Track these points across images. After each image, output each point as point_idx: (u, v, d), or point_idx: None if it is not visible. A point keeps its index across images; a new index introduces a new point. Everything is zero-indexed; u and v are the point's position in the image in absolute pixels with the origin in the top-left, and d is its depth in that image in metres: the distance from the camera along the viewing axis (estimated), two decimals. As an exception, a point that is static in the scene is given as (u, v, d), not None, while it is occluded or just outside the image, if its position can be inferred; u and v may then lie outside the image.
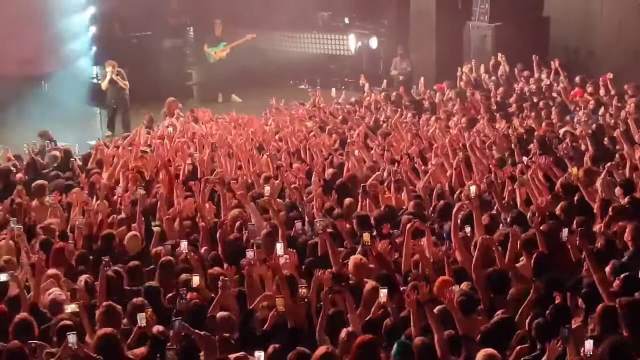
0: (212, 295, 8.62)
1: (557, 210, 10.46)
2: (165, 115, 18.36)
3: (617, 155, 12.60)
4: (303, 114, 17.66)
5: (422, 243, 9.43)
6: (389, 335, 7.74)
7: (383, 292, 8.09)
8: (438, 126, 15.31)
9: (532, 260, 8.83)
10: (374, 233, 9.89)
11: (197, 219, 11.16)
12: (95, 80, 21.46)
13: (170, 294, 9.00)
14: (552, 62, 18.93)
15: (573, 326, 7.31)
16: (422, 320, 7.64)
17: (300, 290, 8.35)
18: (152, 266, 9.70)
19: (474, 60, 20.49)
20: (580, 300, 7.90)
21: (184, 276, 8.98)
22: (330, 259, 9.26)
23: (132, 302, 8.30)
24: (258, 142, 15.17)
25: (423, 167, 12.52)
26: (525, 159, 12.69)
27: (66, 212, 11.79)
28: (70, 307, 8.23)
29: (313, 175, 12.56)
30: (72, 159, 14.64)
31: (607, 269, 8.48)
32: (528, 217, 10.27)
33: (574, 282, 8.42)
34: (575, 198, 10.83)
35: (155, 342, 7.69)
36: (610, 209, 9.98)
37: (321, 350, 7.13)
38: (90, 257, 10.08)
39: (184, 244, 9.83)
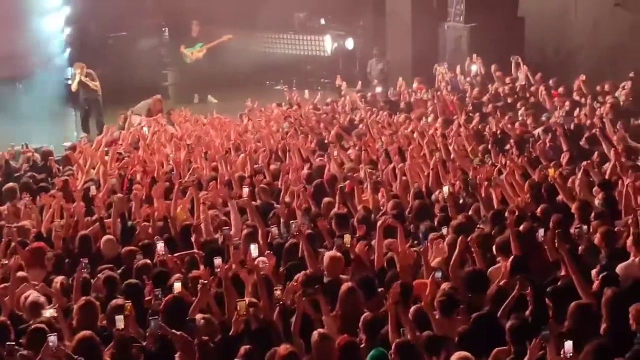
0: (194, 298, 8.57)
1: (535, 210, 10.53)
2: (149, 112, 18.29)
3: (594, 155, 12.64)
4: (279, 114, 17.63)
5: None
6: (368, 329, 7.75)
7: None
8: (414, 126, 15.31)
9: (509, 264, 8.82)
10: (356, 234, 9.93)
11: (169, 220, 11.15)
12: (69, 82, 21.30)
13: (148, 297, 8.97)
14: (511, 59, 19.11)
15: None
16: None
17: (275, 292, 8.33)
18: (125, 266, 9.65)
19: (446, 64, 20.60)
20: (547, 300, 7.94)
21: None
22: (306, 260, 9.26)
23: (111, 304, 8.23)
24: (235, 143, 15.11)
25: (400, 166, 12.53)
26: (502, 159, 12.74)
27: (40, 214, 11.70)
28: (48, 312, 8.16)
29: (290, 176, 12.57)
30: (50, 157, 14.60)
31: (594, 271, 8.52)
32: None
33: (550, 282, 8.47)
34: (547, 196, 10.93)
35: (119, 343, 7.64)
36: (592, 216, 10.01)
37: (284, 350, 7.08)
38: (67, 260, 10.02)
39: (160, 245, 9.78)
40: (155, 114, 18.10)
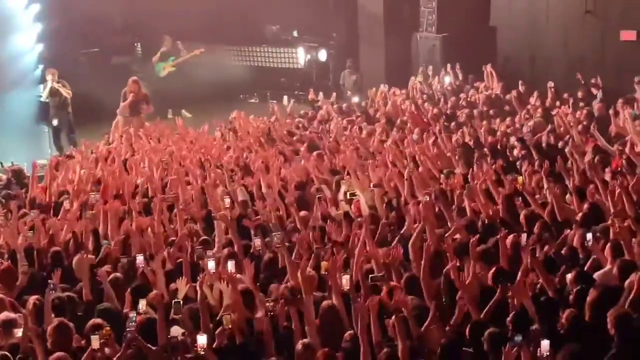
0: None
1: (507, 219, 10.59)
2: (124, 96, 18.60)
3: (568, 162, 12.65)
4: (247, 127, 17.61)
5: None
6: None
7: (345, 279, 8.18)
8: (393, 138, 15.31)
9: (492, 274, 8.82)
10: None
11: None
12: (41, 99, 21.11)
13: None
14: (483, 68, 19.22)
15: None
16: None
17: (266, 304, 8.27)
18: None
19: (421, 68, 20.69)
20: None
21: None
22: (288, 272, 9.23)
23: (89, 323, 8.15)
24: (209, 156, 15.07)
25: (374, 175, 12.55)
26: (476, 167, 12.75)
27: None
28: (21, 331, 8.07)
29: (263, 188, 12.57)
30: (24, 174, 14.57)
31: (569, 275, 8.53)
32: (478, 225, 10.38)
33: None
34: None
35: None
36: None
37: None
38: (41, 276, 9.93)
39: (139, 259, 9.69)
40: (129, 94, 18.72)
